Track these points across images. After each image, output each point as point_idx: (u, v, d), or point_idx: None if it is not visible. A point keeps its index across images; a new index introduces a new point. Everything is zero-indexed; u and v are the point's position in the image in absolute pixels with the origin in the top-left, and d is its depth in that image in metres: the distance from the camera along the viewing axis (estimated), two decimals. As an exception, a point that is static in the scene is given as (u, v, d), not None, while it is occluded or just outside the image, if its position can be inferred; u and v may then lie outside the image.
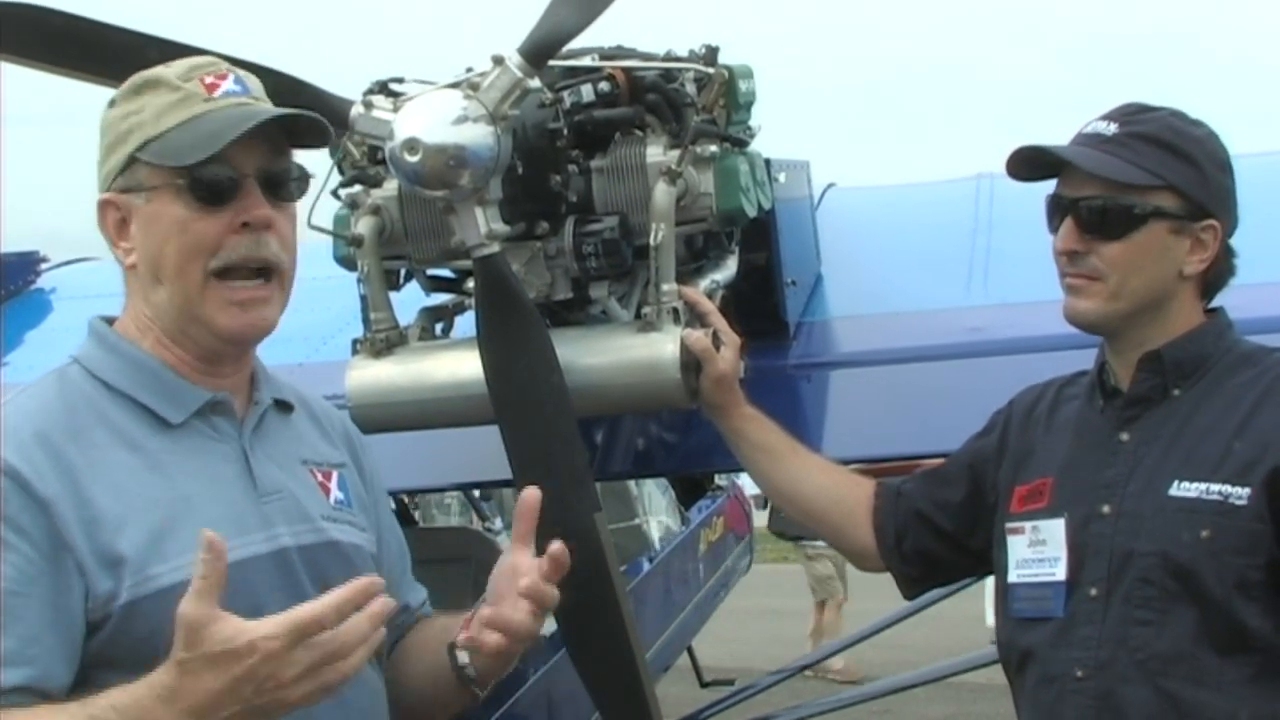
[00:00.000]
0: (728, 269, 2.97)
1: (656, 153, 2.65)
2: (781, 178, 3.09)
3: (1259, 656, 2.25)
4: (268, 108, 2.09)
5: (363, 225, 2.72)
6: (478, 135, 2.43)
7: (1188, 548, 2.25)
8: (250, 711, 1.78)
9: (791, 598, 14.01)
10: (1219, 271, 2.43)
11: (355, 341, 2.79)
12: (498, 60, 2.46)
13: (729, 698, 5.43)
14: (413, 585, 2.42)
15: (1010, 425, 2.60)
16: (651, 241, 2.59)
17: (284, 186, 2.10)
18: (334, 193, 2.76)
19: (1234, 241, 2.44)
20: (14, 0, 2.44)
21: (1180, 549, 2.26)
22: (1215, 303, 2.47)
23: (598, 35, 2.67)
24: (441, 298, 3.00)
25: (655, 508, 7.62)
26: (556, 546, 2.14)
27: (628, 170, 2.67)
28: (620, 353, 2.63)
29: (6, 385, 3.34)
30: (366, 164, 2.73)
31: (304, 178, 2.16)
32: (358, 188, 2.76)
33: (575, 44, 2.58)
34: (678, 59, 2.74)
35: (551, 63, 2.58)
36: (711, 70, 2.71)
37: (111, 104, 2.10)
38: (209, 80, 2.07)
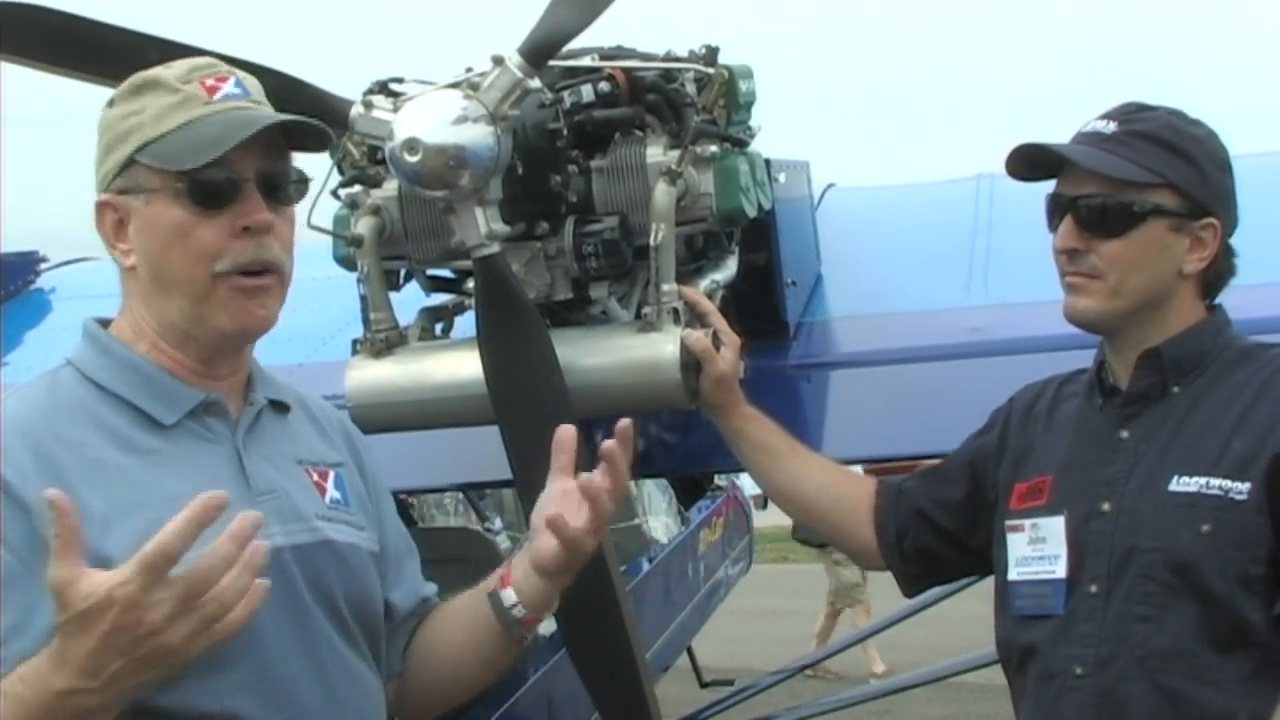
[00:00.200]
0: (728, 269, 2.97)
1: (656, 153, 2.65)
2: (781, 178, 3.09)
3: (1259, 653, 2.26)
4: (268, 112, 2.08)
5: (363, 225, 2.72)
6: (478, 135, 2.43)
7: (1188, 543, 2.26)
8: (137, 663, 1.74)
9: (791, 598, 14.02)
10: (1219, 271, 2.43)
11: (355, 342, 2.80)
12: (498, 60, 2.46)
13: (729, 698, 5.43)
14: (422, 581, 2.41)
15: (1010, 423, 2.61)
16: (651, 242, 2.59)
17: (283, 190, 2.10)
18: (334, 193, 2.76)
19: (1234, 242, 2.44)
20: (14, 0, 2.44)
21: (1181, 544, 2.26)
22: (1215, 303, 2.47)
23: (598, 35, 2.67)
24: (441, 298, 3.00)
25: (655, 508, 7.63)
26: (608, 446, 2.14)
27: (628, 170, 2.67)
28: (620, 353, 2.63)
29: (6, 385, 3.34)
30: (366, 164, 2.73)
31: (303, 181, 2.16)
32: (358, 188, 2.76)
33: (575, 44, 2.58)
34: (678, 59, 2.74)
35: (551, 63, 2.58)
36: (711, 70, 2.71)
37: (110, 104, 2.09)
38: (209, 83, 2.06)
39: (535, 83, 2.53)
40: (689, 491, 8.10)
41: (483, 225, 2.50)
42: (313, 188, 2.31)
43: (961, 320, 3.25)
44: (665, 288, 2.61)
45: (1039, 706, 2.40)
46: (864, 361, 3.26)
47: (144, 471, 2.00)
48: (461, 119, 2.43)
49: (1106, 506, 2.36)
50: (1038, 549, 2.42)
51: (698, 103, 2.70)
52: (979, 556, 2.61)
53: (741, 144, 2.77)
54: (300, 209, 2.21)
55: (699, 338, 2.62)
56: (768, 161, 2.92)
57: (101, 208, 2.08)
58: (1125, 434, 2.40)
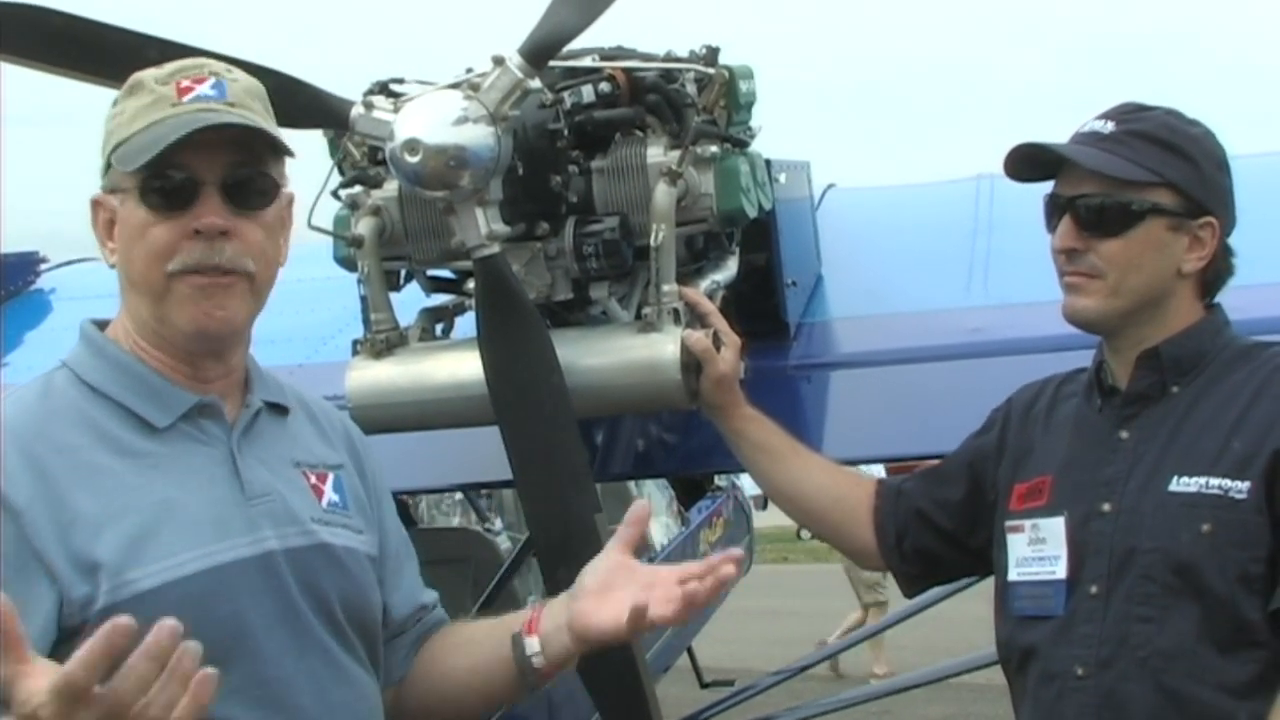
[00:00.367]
0: (728, 269, 2.97)
1: (657, 153, 2.65)
2: (782, 178, 3.09)
3: (1260, 653, 2.25)
4: (223, 115, 2.02)
5: (363, 226, 2.72)
6: (478, 136, 2.43)
7: (1189, 543, 2.26)
8: None
9: (791, 598, 14.04)
10: (1217, 270, 2.43)
11: (355, 342, 2.80)
12: (498, 61, 2.46)
13: (729, 698, 5.43)
14: (421, 587, 2.39)
15: (1009, 423, 2.61)
16: (652, 242, 2.59)
17: (246, 195, 2.04)
18: (334, 193, 2.76)
19: (1234, 243, 2.44)
20: (14, 0, 2.44)
21: (1181, 545, 2.26)
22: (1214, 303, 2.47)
23: (598, 36, 2.68)
24: (441, 298, 3.00)
25: (655, 508, 7.63)
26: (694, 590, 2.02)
27: (628, 171, 2.67)
28: (620, 353, 2.63)
29: (6, 385, 3.34)
30: (367, 164, 2.73)
31: (271, 188, 2.08)
32: (358, 188, 2.77)
33: (575, 44, 2.58)
34: (678, 59, 2.74)
35: (552, 63, 2.58)
36: (712, 71, 2.71)
37: (114, 103, 2.09)
38: (185, 84, 2.03)
39: (536, 83, 2.53)
40: (689, 492, 8.10)
41: (483, 226, 2.50)
42: (313, 188, 2.30)
43: (961, 321, 3.25)
44: (665, 288, 2.61)
45: (1039, 707, 2.40)
46: (864, 362, 3.26)
47: (136, 475, 1.98)
48: (462, 119, 2.43)
49: (1106, 507, 2.36)
50: (1038, 550, 2.42)
51: (698, 103, 2.70)
52: (979, 557, 2.61)
53: (742, 144, 2.77)
54: (299, 212, 2.19)
55: (699, 338, 2.62)
56: (768, 162, 2.92)
57: (95, 207, 2.09)
58: (1125, 434, 2.40)
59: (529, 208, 2.62)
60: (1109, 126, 2.39)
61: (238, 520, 2.02)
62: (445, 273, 2.95)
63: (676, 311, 2.62)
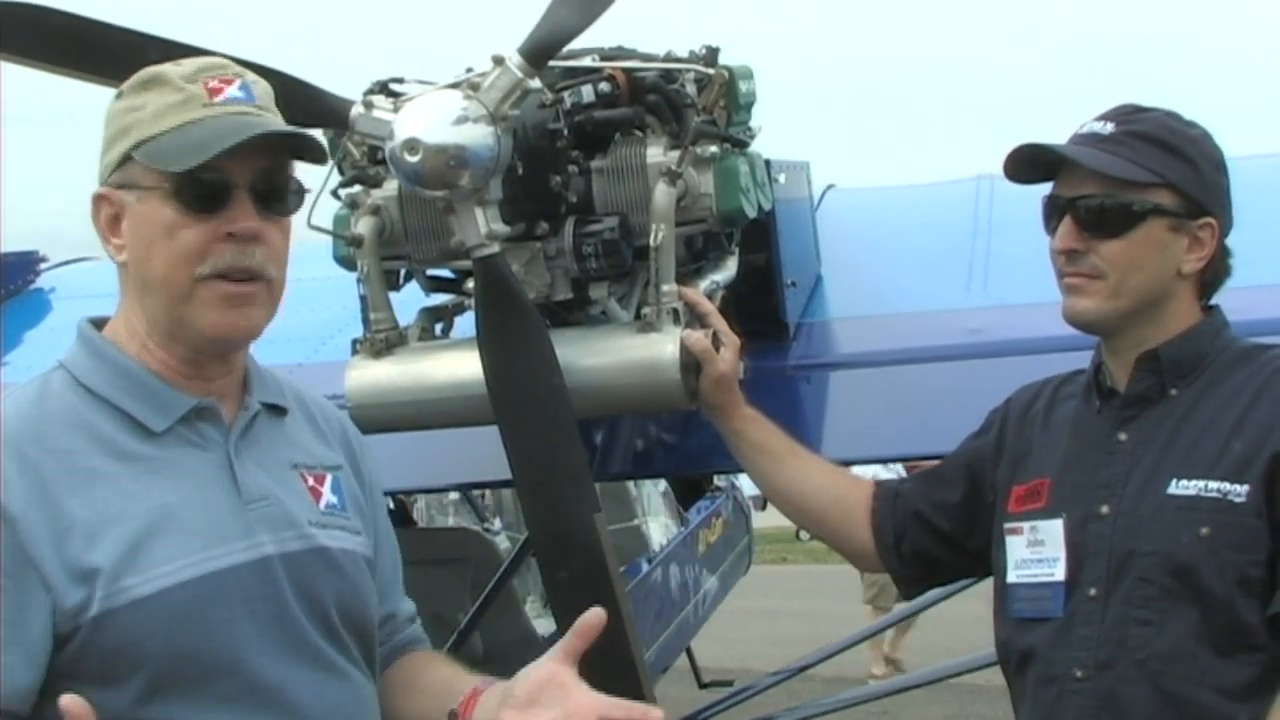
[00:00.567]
0: (727, 270, 2.97)
1: (657, 153, 2.66)
2: (781, 179, 3.09)
3: (1259, 656, 2.25)
4: (265, 121, 2.04)
5: (363, 225, 2.72)
6: (478, 135, 2.44)
7: (1187, 546, 2.26)
8: None
9: (791, 598, 14.04)
10: (1216, 271, 2.43)
11: (355, 342, 2.80)
12: (498, 60, 2.46)
13: (728, 698, 5.44)
14: (401, 596, 2.36)
15: (1007, 424, 2.60)
16: (651, 242, 2.59)
17: (278, 200, 2.05)
18: (334, 193, 2.76)
19: (1233, 244, 2.44)
20: (14, 0, 2.44)
21: (1180, 547, 2.26)
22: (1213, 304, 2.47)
23: (598, 36, 2.68)
24: (441, 298, 3.00)
25: (654, 508, 7.63)
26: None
27: (628, 171, 2.67)
28: (620, 353, 2.63)
29: (6, 385, 3.34)
30: (366, 164, 2.73)
31: (300, 192, 2.11)
32: (358, 188, 2.77)
33: (575, 44, 2.58)
34: (678, 59, 2.75)
35: (552, 63, 2.58)
36: (712, 71, 2.71)
37: (119, 96, 2.06)
38: (213, 84, 2.03)
39: (535, 83, 2.53)
40: (688, 492, 8.11)
41: (483, 225, 2.50)
42: (313, 188, 2.30)
43: (961, 321, 3.25)
44: (665, 288, 2.61)
45: (1039, 709, 2.40)
46: (864, 362, 3.26)
47: (133, 480, 1.96)
48: (462, 119, 2.43)
49: (1105, 509, 2.36)
50: (1036, 551, 2.42)
51: (698, 103, 2.70)
52: (977, 558, 2.61)
53: (741, 144, 2.77)
54: (298, 217, 2.19)
55: (699, 338, 2.62)
56: (768, 162, 2.92)
57: (98, 201, 2.05)
58: (1123, 436, 2.40)
59: (529, 207, 2.62)
60: (1109, 127, 2.39)
61: (234, 526, 2.01)
62: (445, 272, 2.95)
63: (676, 311, 2.62)
